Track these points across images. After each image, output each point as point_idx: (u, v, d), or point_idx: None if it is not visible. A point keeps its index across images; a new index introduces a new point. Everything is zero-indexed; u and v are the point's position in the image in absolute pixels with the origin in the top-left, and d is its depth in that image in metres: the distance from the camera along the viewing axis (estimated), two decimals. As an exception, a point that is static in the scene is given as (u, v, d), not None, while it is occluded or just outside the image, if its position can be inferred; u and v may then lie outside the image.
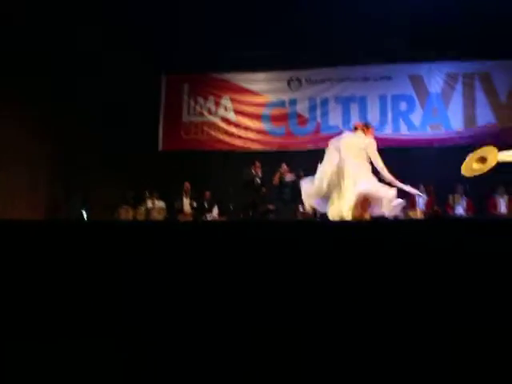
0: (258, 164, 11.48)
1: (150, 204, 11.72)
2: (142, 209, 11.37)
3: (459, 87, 12.86)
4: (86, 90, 11.39)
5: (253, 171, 11.38)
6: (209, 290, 3.81)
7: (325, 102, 13.38)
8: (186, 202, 12.04)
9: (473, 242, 3.88)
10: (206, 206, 12.07)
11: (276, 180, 11.12)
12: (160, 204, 11.76)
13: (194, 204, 11.97)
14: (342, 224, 5.47)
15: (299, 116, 13.43)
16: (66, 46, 10.98)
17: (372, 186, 6.82)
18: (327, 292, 3.67)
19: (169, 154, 13.39)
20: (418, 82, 12.99)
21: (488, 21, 11.30)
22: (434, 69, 12.95)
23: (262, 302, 3.57)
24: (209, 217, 11.78)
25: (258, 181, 11.35)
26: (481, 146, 11.92)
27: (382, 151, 11.97)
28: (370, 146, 7.16)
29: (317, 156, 11.50)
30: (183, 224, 7.75)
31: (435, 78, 12.95)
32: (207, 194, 12.15)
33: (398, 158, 11.84)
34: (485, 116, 12.62)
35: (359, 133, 7.29)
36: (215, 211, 12.08)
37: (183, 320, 3.43)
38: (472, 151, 11.84)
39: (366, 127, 7.41)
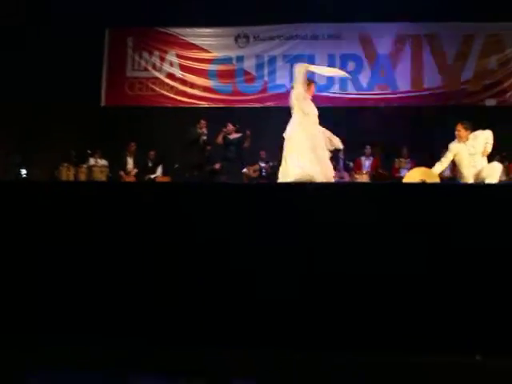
0: (203, 122, 11.30)
1: (92, 162, 11.48)
2: (84, 167, 11.13)
3: (407, 48, 12.88)
4: (29, 44, 11.06)
5: (198, 130, 11.24)
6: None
7: (272, 60, 13.24)
8: (130, 161, 11.84)
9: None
10: (150, 165, 11.90)
11: (219, 139, 11.02)
12: (103, 162, 11.53)
13: (138, 163, 11.79)
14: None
15: (246, 73, 13.26)
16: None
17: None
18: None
19: (113, 110, 13.08)
20: (366, 43, 12.93)
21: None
22: (383, 29, 12.91)
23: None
24: (153, 176, 11.65)
25: (204, 139, 11.23)
26: (426, 107, 12.20)
27: (329, 110, 12.07)
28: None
29: (264, 114, 11.51)
30: (124, 184, 7.65)
31: (384, 38, 12.91)
32: (151, 153, 11.95)
33: (346, 118, 11.91)
34: (432, 78, 12.70)
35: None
36: (159, 171, 11.93)
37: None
38: (418, 113, 12.06)
39: (308, 84, 7.31)
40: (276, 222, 4.03)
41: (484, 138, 7.63)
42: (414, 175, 7.73)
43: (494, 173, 7.38)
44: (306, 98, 7.22)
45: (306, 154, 6.85)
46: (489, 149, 7.64)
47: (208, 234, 4.13)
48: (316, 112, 7.21)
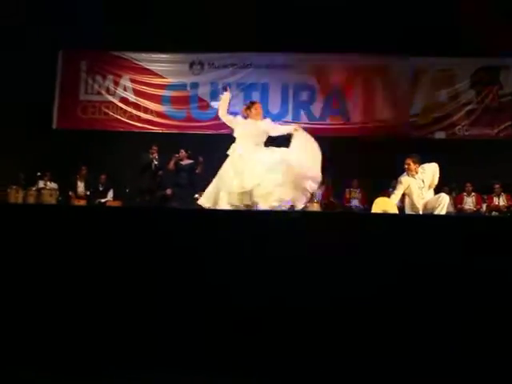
0: (154, 148, 11.31)
1: (41, 185, 11.30)
2: (33, 190, 10.95)
3: (359, 80, 13.12)
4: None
5: (150, 155, 11.22)
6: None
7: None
8: (81, 184, 11.74)
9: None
10: (100, 189, 11.81)
11: (171, 165, 11.02)
12: (52, 185, 11.37)
13: (89, 187, 11.68)
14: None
15: (200, 100, 13.31)
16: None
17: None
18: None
19: (64, 133, 12.95)
20: (320, 73, 13.14)
21: (389, 15, 11.56)
22: (336, 61, 13.16)
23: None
24: (103, 201, 11.55)
25: (156, 164, 11.21)
26: (377, 139, 12.39)
27: (281, 138, 12.14)
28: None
29: (218, 141, 11.47)
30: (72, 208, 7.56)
31: (337, 69, 13.15)
32: (102, 176, 11.88)
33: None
34: (383, 110, 12.94)
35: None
36: (110, 195, 11.83)
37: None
38: (371, 144, 12.22)
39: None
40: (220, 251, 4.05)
41: (431, 171, 7.83)
42: (379, 204, 7.86)
43: (442, 204, 7.54)
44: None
45: None
46: (436, 181, 7.84)
47: (157, 259, 4.12)
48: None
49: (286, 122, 12.88)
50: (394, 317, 3.94)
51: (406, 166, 7.93)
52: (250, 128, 7.03)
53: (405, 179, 7.93)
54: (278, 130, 7.14)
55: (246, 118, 7.20)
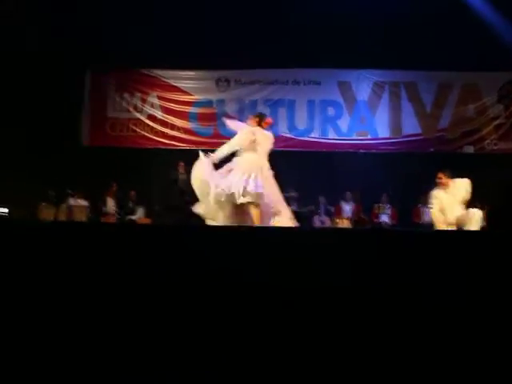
0: (181, 164, 11.34)
1: (72, 202, 11.39)
2: (64, 207, 11.04)
3: (386, 96, 13.09)
4: (9, 84, 11.08)
5: (178, 171, 11.24)
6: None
7: (253, 104, 13.31)
8: (110, 201, 11.80)
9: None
10: (130, 206, 11.86)
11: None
12: (83, 203, 11.46)
13: (119, 204, 11.75)
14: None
15: (227, 117, 13.26)
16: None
17: None
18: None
19: (94, 150, 13.05)
20: (346, 89, 13.13)
21: (414, 32, 11.52)
22: (362, 76, 13.12)
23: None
24: (133, 218, 11.60)
25: (183, 181, 11.22)
26: (405, 153, 12.31)
27: (309, 154, 12.11)
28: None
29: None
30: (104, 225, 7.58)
31: (363, 85, 13.12)
32: (132, 193, 11.95)
33: (326, 163, 12.01)
34: (410, 125, 12.89)
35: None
36: (140, 212, 11.88)
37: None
38: (399, 158, 12.14)
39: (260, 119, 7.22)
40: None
41: (463, 186, 7.74)
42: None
43: (474, 220, 7.45)
44: None
45: None
46: (468, 196, 7.74)
47: (187, 278, 4.08)
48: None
49: (313, 138, 12.93)
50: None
51: (438, 180, 7.87)
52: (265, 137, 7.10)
53: (437, 193, 7.87)
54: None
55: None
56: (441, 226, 7.73)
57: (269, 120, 7.35)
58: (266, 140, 7.05)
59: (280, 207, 6.90)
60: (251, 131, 7.01)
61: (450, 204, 7.74)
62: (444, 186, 7.82)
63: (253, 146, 6.95)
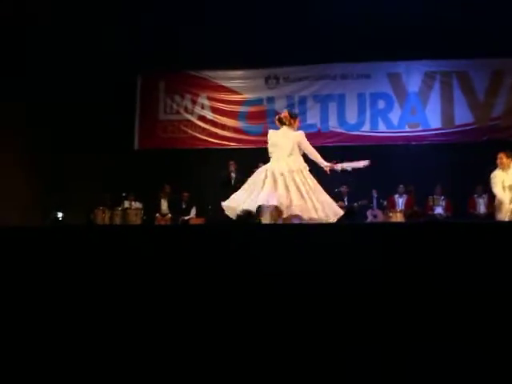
0: (232, 163, 11.40)
1: (126, 205, 11.57)
2: (119, 210, 11.23)
3: (437, 86, 12.89)
4: (60, 89, 11.34)
5: (230, 171, 11.30)
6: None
7: (303, 101, 13.32)
8: (164, 203, 11.97)
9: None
10: (183, 206, 12.00)
11: (251, 179, 11.05)
12: (137, 205, 11.63)
13: (172, 205, 11.91)
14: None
15: (277, 114, 13.23)
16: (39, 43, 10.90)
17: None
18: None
19: (146, 153, 13.28)
20: (396, 81, 12.99)
21: (465, 20, 11.32)
22: (412, 67, 12.96)
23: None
24: (186, 218, 11.73)
25: (236, 179, 11.27)
26: (458, 144, 12.10)
27: (360, 148, 12.02)
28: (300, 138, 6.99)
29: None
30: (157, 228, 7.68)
31: (413, 76, 12.96)
32: (185, 194, 12.10)
33: (377, 157, 11.87)
34: (462, 115, 12.65)
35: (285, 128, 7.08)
36: (193, 212, 12.02)
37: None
38: (450, 150, 11.96)
39: (293, 118, 7.15)
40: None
41: None
42: None
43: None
44: None
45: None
46: None
47: (245, 278, 4.08)
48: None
49: (364, 132, 12.82)
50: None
51: (499, 160, 7.77)
52: (287, 136, 7.02)
53: (498, 173, 7.77)
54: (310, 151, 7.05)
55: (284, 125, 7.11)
56: (506, 206, 7.59)
57: (284, 114, 7.20)
58: (285, 139, 6.98)
59: (315, 205, 6.69)
60: (267, 136, 7.04)
61: (509, 186, 7.63)
62: (504, 166, 7.72)
63: (271, 151, 6.99)
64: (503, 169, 7.74)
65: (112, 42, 11.98)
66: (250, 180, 7.03)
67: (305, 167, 6.86)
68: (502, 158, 7.78)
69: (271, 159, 7.00)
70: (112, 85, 12.26)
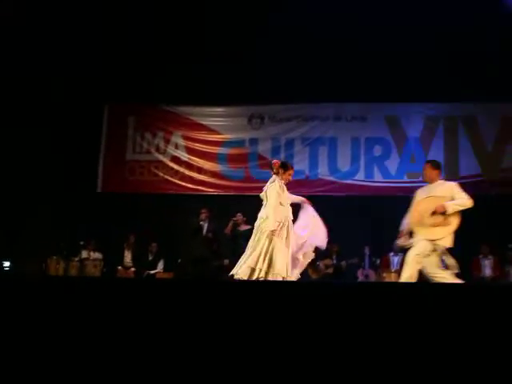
0: (204, 211, 11.39)
1: (85, 255, 11.50)
2: (76, 260, 11.16)
3: (440, 132, 13.01)
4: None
5: (200, 219, 11.28)
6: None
7: (290, 143, 13.39)
8: (128, 254, 11.91)
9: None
10: (150, 259, 11.95)
11: (228, 229, 11.04)
12: (96, 255, 11.57)
13: (137, 257, 11.85)
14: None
15: (261, 158, 13.30)
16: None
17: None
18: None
19: (110, 196, 13.24)
20: (394, 125, 13.12)
21: (472, 59, 11.50)
22: (413, 111, 13.13)
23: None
24: (152, 272, 11.67)
25: (207, 230, 11.28)
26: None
27: (354, 199, 12.08)
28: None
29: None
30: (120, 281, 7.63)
31: (414, 120, 13.09)
32: (153, 245, 12.04)
33: (372, 208, 11.93)
34: (468, 165, 12.74)
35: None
36: (160, 266, 11.95)
37: None
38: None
39: (282, 169, 7.34)
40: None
41: None
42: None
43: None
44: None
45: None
46: None
47: (216, 339, 4.08)
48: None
49: (358, 181, 12.87)
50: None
51: None
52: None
53: None
54: (291, 197, 7.37)
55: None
56: None
57: (275, 161, 7.51)
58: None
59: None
60: None
61: None
62: None
63: None
64: None
65: (78, 67, 12.02)
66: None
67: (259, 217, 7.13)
68: None
69: None
70: (73, 114, 12.28)
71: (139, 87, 12.87)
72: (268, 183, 7.27)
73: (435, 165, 7.52)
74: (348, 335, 3.92)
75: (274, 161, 7.48)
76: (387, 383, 3.74)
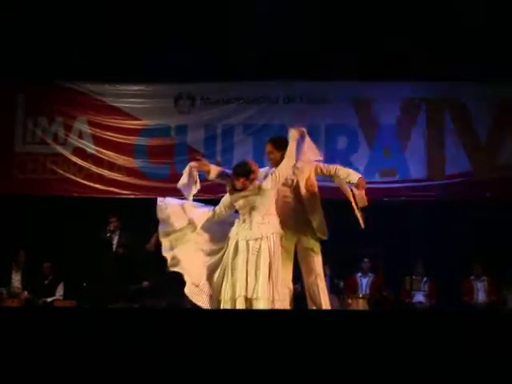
0: (114, 219, 11.37)
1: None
2: None
3: (421, 119, 13.12)
4: None
5: (107, 230, 11.26)
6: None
7: (229, 132, 13.41)
8: (17, 276, 11.79)
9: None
10: (46, 282, 11.85)
11: (151, 245, 10.96)
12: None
13: (27, 280, 11.75)
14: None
15: (191, 151, 13.13)
16: None
17: None
18: None
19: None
20: (363, 109, 13.18)
21: (463, 29, 11.63)
22: (388, 91, 13.19)
23: None
24: (49, 300, 11.59)
25: (117, 244, 11.26)
26: (449, 202, 12.34)
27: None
28: None
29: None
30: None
31: (388, 104, 13.16)
32: (47, 265, 11.92)
33: (333, 216, 11.98)
34: (457, 161, 12.89)
35: None
36: (60, 291, 11.86)
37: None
38: (437, 210, 12.20)
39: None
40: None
41: None
42: None
43: None
44: None
45: None
46: None
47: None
48: None
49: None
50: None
51: None
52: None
53: None
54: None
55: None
56: None
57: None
58: None
59: None
60: None
61: None
62: None
63: None
64: None
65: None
66: None
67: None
68: None
69: None
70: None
71: (32, 58, 12.70)
72: None
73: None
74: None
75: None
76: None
